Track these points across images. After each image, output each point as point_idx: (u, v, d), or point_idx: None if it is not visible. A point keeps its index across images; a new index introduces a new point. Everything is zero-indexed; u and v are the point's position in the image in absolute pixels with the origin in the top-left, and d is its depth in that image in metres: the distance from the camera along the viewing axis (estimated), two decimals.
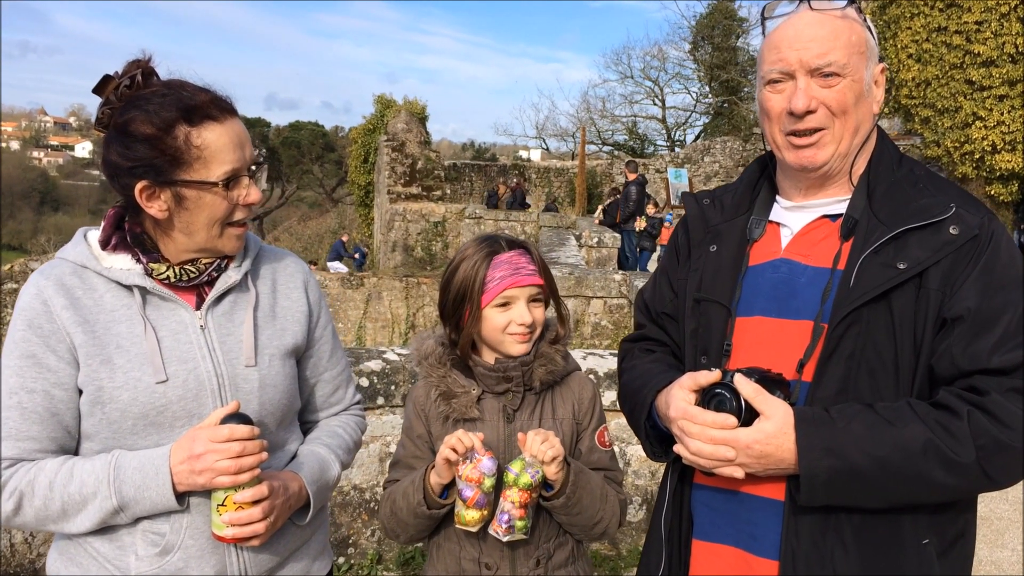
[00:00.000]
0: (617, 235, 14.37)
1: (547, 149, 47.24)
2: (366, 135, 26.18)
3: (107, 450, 1.62)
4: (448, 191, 25.11)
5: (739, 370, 1.58)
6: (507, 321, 1.94)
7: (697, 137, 38.72)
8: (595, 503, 1.95)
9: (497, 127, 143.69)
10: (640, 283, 7.84)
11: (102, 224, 1.72)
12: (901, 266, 1.54)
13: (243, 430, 1.57)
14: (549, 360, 2.00)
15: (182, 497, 1.60)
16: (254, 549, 1.70)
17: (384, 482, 2.13)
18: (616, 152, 40.37)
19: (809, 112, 1.61)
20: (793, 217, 1.77)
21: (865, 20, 1.68)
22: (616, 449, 4.34)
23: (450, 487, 1.90)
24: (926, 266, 1.54)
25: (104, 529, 1.62)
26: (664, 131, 42.09)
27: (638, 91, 41.76)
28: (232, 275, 1.75)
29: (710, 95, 38.77)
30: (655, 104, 41.79)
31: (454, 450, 1.81)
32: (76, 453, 1.66)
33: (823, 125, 1.63)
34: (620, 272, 9.11)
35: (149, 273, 1.67)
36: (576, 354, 4.40)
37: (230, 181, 1.64)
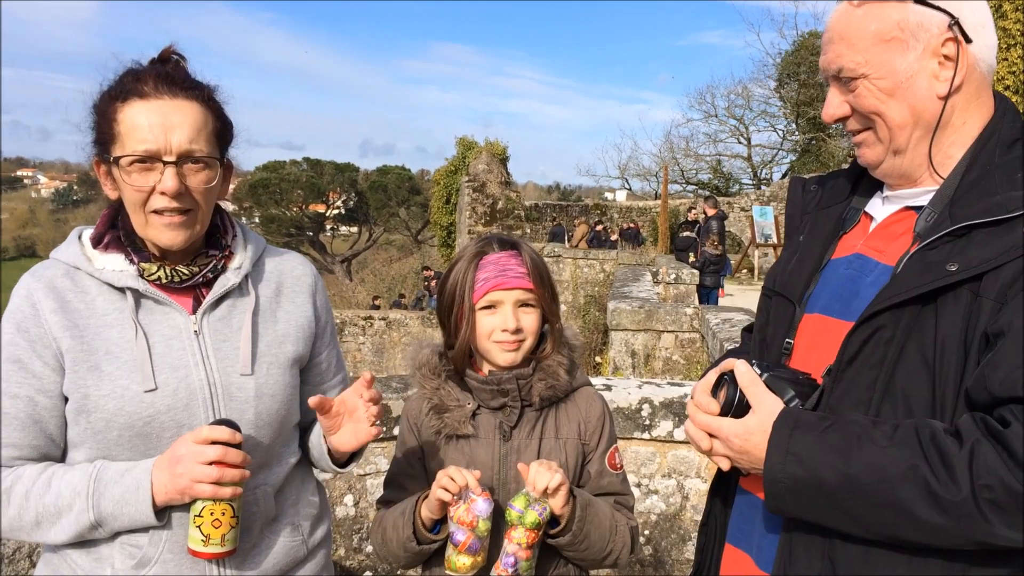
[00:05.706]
0: (695, 271, 14.06)
1: (630, 189, 47.01)
2: (448, 176, 26.61)
3: (92, 460, 1.56)
4: (528, 230, 25.19)
5: (770, 367, 1.45)
6: (492, 328, 1.79)
7: (784, 175, 37.89)
8: (604, 536, 1.76)
9: (579, 168, 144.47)
10: (712, 316, 7.57)
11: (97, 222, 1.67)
12: (951, 268, 1.30)
13: (223, 432, 1.49)
14: (550, 374, 1.83)
15: (162, 513, 1.53)
16: (238, 565, 1.62)
17: (376, 501, 1.98)
18: (700, 191, 39.87)
19: (846, 117, 1.48)
20: (881, 208, 1.56)
21: None
22: (674, 482, 4.13)
23: (443, 522, 1.75)
24: (982, 270, 1.27)
25: (83, 540, 1.56)
26: (750, 169, 41.42)
27: (722, 129, 41.37)
28: (231, 277, 1.67)
29: (797, 132, 37.96)
30: (740, 142, 41.26)
31: (446, 489, 1.66)
32: (62, 461, 1.61)
33: (862, 127, 1.47)
34: (692, 306, 8.83)
35: (141, 274, 1.60)
36: (631, 383, 4.23)
37: (136, 162, 1.53)
